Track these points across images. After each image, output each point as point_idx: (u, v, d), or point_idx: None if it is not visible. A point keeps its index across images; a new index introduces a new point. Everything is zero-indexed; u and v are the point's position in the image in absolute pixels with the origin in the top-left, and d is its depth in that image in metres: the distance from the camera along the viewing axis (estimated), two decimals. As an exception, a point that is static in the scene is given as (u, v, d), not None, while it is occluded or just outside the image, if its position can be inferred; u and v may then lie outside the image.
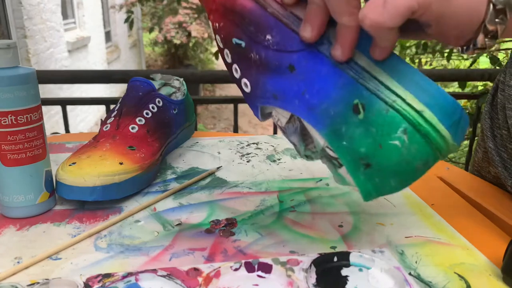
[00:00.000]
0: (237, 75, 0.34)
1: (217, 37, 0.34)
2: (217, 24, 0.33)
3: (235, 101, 1.40)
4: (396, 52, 1.38)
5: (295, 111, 0.31)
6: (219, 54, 0.35)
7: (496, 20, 0.27)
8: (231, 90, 6.36)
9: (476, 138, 1.65)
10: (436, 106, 0.27)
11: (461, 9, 0.27)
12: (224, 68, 0.36)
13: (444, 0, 0.26)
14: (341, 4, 0.27)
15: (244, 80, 0.33)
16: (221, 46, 0.34)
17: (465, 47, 0.29)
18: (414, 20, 0.27)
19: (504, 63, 1.58)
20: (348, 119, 0.29)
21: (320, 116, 0.30)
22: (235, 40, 0.33)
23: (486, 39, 0.28)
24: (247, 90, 0.33)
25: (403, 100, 0.28)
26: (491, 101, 0.55)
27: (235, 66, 0.33)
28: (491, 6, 0.26)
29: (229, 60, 0.34)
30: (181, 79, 0.64)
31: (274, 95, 0.32)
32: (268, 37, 0.31)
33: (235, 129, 1.45)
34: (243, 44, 0.32)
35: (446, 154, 0.29)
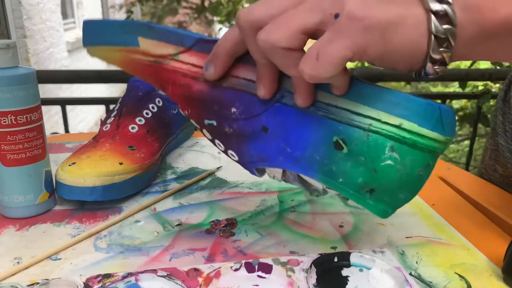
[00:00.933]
0: (221, 148, 0.34)
1: (191, 120, 0.35)
2: (186, 112, 0.34)
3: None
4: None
5: (283, 167, 0.32)
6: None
7: (441, 49, 0.26)
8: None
9: (476, 138, 1.65)
10: (412, 114, 0.27)
11: (401, 45, 0.26)
12: None
13: (380, 41, 0.25)
14: (284, 59, 0.27)
15: (230, 152, 0.34)
16: (198, 127, 0.35)
17: (417, 74, 0.28)
18: None
19: (505, 63, 1.58)
20: (334, 158, 0.29)
21: (308, 164, 0.30)
22: (206, 121, 0.34)
23: (436, 67, 0.27)
24: (235, 159, 0.34)
25: (378, 120, 0.28)
26: (503, 97, 0.55)
27: (217, 141, 0.34)
28: (433, 37, 0.25)
29: (209, 137, 0.35)
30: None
31: (260, 158, 0.32)
32: (233, 109, 0.32)
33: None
34: (214, 123, 0.33)
35: (444, 149, 0.29)
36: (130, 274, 0.33)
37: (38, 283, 0.32)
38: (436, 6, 0.25)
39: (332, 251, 0.37)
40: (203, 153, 0.60)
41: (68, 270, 0.34)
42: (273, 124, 0.31)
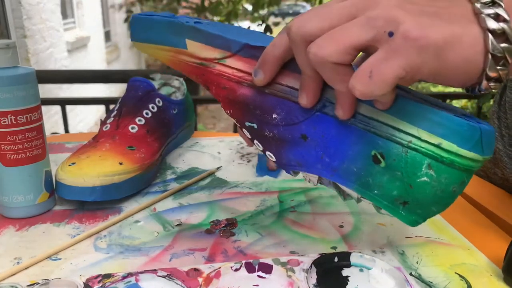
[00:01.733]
0: (260, 148, 0.35)
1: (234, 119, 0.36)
2: (228, 111, 0.35)
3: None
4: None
5: (321, 174, 0.32)
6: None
7: (498, 67, 0.25)
8: (231, 90, 6.33)
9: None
10: (452, 134, 0.27)
11: (457, 63, 0.25)
12: None
13: (435, 60, 0.25)
14: (332, 74, 0.27)
15: (268, 153, 0.34)
16: (239, 125, 0.35)
17: (470, 89, 0.28)
18: None
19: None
20: (372, 171, 0.30)
21: (345, 175, 0.31)
22: (247, 124, 0.34)
23: (491, 83, 0.26)
24: (273, 159, 0.34)
25: (418, 138, 0.28)
26: (499, 100, 0.54)
27: (256, 142, 0.35)
28: (490, 56, 0.25)
29: (249, 137, 0.35)
30: (181, 79, 0.64)
31: (298, 163, 0.33)
32: (274, 115, 0.32)
33: (235, 129, 1.45)
34: (255, 126, 0.34)
35: (480, 166, 0.29)
36: (130, 274, 0.33)
37: (38, 283, 0.32)
38: (493, 25, 0.25)
39: (332, 251, 0.37)
40: (203, 153, 0.60)
41: (68, 270, 0.34)
42: (312, 133, 0.31)
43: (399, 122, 0.28)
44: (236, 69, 0.33)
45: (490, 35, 0.25)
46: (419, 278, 0.34)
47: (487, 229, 0.42)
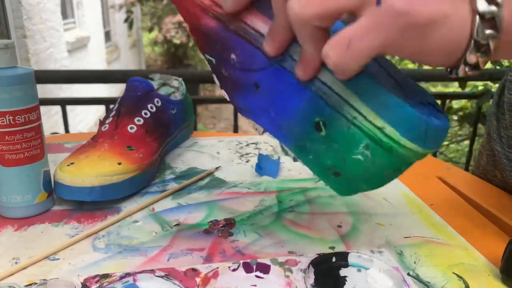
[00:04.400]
0: (218, 84, 0.34)
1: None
2: (194, 38, 0.34)
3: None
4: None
5: (264, 127, 0.32)
6: None
7: (478, 53, 0.24)
8: (231, 90, 6.33)
9: (476, 138, 1.65)
10: (398, 122, 0.27)
11: (440, 45, 0.24)
12: None
13: (418, 40, 0.23)
14: (306, 35, 0.26)
15: (223, 91, 0.34)
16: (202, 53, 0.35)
17: (448, 70, 0.27)
18: None
19: (505, 63, 1.58)
20: (311, 137, 0.29)
21: (286, 133, 0.31)
22: (207, 56, 0.33)
23: (467, 69, 0.25)
24: (227, 99, 0.34)
25: (364, 117, 0.27)
26: (497, 101, 0.54)
27: (214, 76, 0.34)
28: (472, 41, 0.24)
29: (210, 69, 0.34)
30: (180, 79, 0.64)
31: (246, 109, 0.33)
32: (233, 56, 0.31)
33: (235, 129, 1.45)
34: (214, 60, 0.33)
35: (421, 158, 0.29)
36: (128, 274, 0.33)
37: (36, 283, 0.32)
38: (483, 7, 0.23)
39: (330, 251, 0.37)
40: (202, 153, 0.60)
41: (66, 270, 0.34)
42: (265, 83, 0.31)
43: (351, 96, 0.28)
44: None
45: (477, 20, 0.23)
46: (417, 278, 0.34)
47: (485, 229, 0.42)
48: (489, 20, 0.24)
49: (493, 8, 0.23)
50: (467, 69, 0.25)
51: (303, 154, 0.30)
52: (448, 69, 0.27)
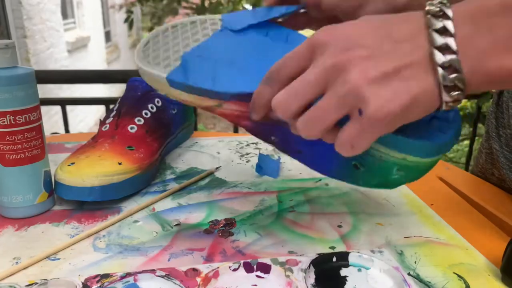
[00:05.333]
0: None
1: None
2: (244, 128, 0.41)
3: (235, 101, 1.39)
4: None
5: (317, 171, 0.39)
6: None
7: (453, 93, 0.27)
8: (231, 90, 6.33)
9: (476, 138, 1.65)
10: (414, 151, 0.33)
11: (418, 115, 0.28)
12: None
13: (401, 121, 0.28)
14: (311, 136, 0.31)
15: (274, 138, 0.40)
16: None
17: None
18: None
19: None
20: (354, 173, 0.36)
21: (337, 176, 0.38)
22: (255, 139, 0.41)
23: (450, 104, 0.28)
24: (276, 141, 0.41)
25: (387, 154, 0.33)
26: (497, 100, 0.55)
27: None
28: (443, 88, 0.27)
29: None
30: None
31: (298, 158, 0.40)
32: (273, 138, 0.39)
33: (235, 129, 1.45)
34: (262, 141, 0.40)
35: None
36: (128, 274, 0.33)
37: (36, 283, 0.32)
38: (442, 59, 0.26)
39: (331, 251, 0.37)
40: (202, 153, 0.60)
41: (66, 270, 0.34)
42: (307, 149, 0.38)
43: (374, 144, 0.33)
44: (233, 109, 0.38)
45: (440, 70, 0.26)
46: (417, 278, 0.34)
47: (486, 229, 0.42)
48: (450, 67, 0.27)
49: (449, 57, 0.26)
50: (450, 105, 0.28)
51: (355, 183, 0.37)
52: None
